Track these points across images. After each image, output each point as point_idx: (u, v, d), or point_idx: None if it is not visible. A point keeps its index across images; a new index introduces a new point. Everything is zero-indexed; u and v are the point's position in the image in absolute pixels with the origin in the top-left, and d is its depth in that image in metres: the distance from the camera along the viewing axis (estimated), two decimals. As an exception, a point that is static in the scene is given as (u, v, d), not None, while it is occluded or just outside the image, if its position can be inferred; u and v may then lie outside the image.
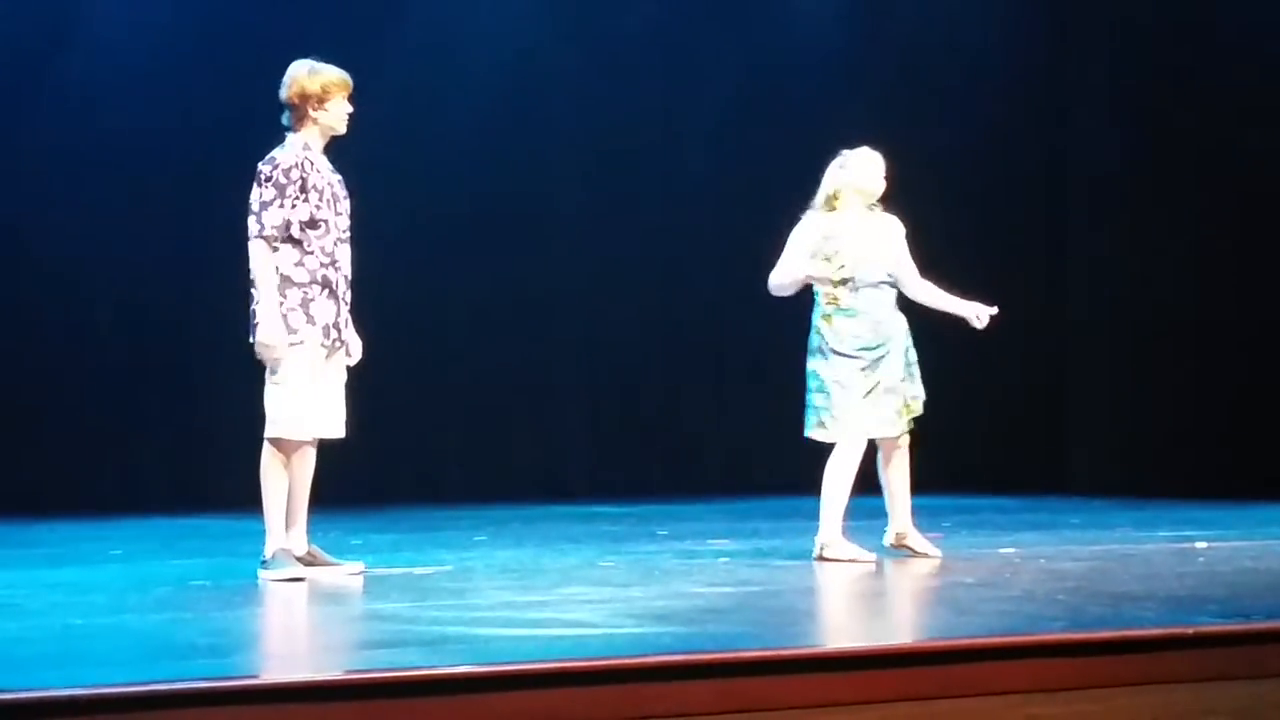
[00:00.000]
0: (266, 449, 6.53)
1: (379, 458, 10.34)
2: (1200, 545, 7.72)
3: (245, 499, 10.88)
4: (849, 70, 12.58)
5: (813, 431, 7.23)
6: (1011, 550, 7.42)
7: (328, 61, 6.64)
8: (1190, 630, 4.79)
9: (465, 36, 11.72)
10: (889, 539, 7.30)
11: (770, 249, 12.34)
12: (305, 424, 6.48)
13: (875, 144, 7.43)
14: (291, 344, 6.45)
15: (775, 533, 8.69)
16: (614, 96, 12.20)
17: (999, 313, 7.29)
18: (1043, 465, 11.97)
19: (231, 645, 4.76)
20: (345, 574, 6.61)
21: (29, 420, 10.83)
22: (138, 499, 10.66)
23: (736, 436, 12.61)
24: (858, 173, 7.26)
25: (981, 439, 11.90)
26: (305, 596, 6.08)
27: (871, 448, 7.23)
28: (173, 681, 3.92)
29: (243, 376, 11.46)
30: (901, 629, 5.72)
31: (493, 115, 11.65)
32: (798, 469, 12.25)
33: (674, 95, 12.45)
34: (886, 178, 7.30)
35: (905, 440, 7.24)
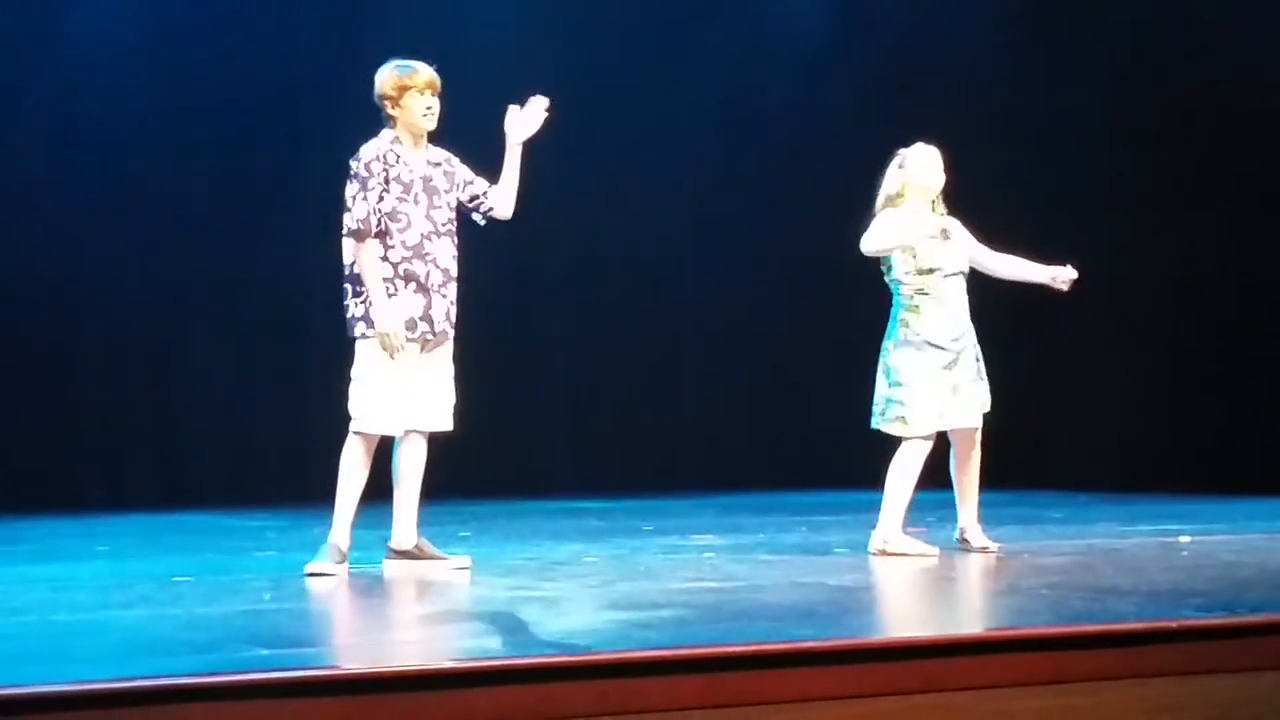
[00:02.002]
0: (347, 441, 6.56)
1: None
2: (1184, 539, 7.74)
3: (229, 495, 10.96)
4: (835, 68, 12.59)
5: (889, 425, 7.19)
6: (995, 545, 7.42)
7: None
8: (1174, 624, 4.79)
9: (448, 35, 11.71)
10: (957, 534, 7.37)
11: (758, 245, 12.46)
12: (379, 419, 6.52)
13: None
14: (368, 337, 6.47)
15: (759, 528, 8.70)
16: (599, 93, 12.19)
17: (1074, 277, 7.33)
18: (1026, 460, 11.98)
19: (215, 641, 4.75)
20: (451, 568, 6.66)
21: (11, 416, 10.81)
22: (121, 495, 10.65)
23: (722, 433, 12.62)
24: (916, 169, 7.28)
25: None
26: (293, 591, 6.07)
27: (942, 444, 7.26)
28: (156, 677, 3.92)
29: (227, 373, 11.56)
30: (886, 624, 5.73)
31: (474, 112, 11.61)
32: (781, 465, 12.35)
33: (661, 92, 12.46)
34: (946, 171, 7.34)
35: (978, 434, 7.29)
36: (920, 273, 7.20)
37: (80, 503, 10.40)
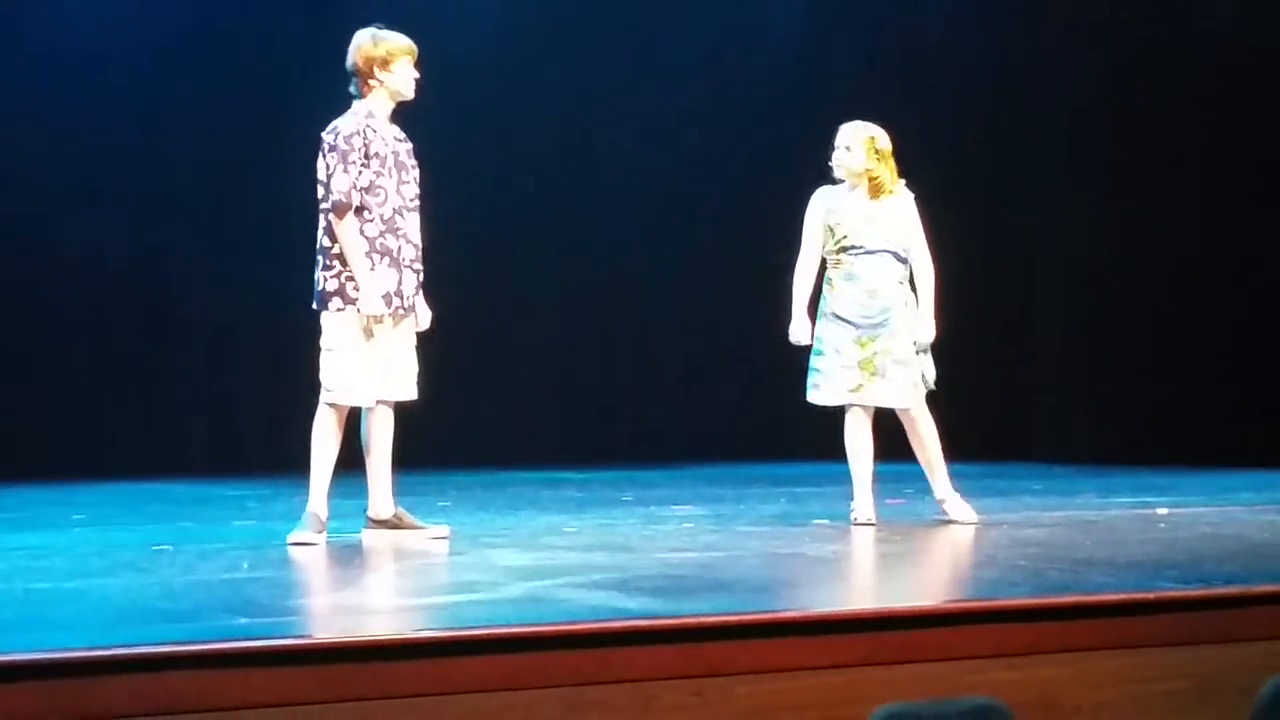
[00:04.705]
0: (319, 412, 6.56)
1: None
2: (1162, 512, 7.76)
3: (209, 463, 10.95)
4: (816, 59, 12.56)
5: (809, 394, 7.33)
6: (976, 515, 7.43)
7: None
8: (1151, 595, 4.81)
9: (436, 31, 11.66)
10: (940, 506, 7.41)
11: (737, 230, 12.43)
12: (354, 391, 6.52)
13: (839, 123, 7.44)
14: (339, 310, 6.47)
15: (738, 499, 8.72)
16: (576, 71, 12.17)
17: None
18: (1005, 432, 12.01)
19: (194, 610, 4.75)
20: (430, 537, 6.67)
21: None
22: (101, 463, 10.62)
23: (703, 403, 12.62)
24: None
25: (943, 406, 11.94)
26: (271, 560, 6.06)
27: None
28: (135, 645, 3.91)
29: (208, 342, 11.53)
30: (865, 594, 5.74)
31: (463, 103, 11.58)
32: (760, 437, 12.35)
33: (636, 73, 12.42)
34: (895, 150, 7.35)
35: (919, 412, 7.30)
36: (838, 250, 7.29)
37: (60, 470, 10.37)
